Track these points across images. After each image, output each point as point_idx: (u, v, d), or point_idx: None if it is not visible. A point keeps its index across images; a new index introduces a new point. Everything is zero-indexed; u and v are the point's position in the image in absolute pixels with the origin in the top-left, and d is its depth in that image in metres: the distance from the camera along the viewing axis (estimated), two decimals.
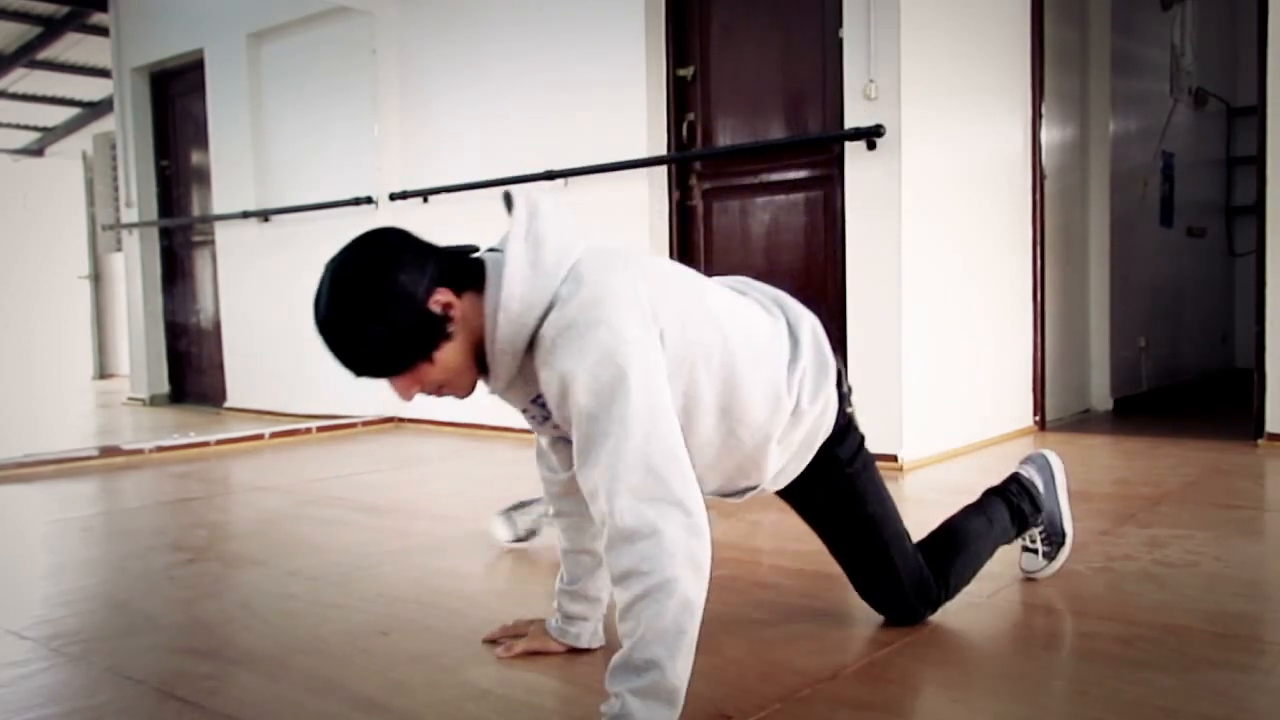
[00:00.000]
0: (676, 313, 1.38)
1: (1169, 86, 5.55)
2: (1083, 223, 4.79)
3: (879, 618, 1.82)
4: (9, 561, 2.59)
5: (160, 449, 4.19)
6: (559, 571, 1.67)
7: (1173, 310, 5.78)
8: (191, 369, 6.21)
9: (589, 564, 1.64)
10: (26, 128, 6.72)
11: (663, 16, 4.07)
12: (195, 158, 6.09)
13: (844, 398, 1.63)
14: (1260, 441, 3.67)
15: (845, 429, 1.63)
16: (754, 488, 1.59)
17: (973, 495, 2.99)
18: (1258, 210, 3.76)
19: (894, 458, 3.40)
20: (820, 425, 1.57)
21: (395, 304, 1.28)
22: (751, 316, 1.53)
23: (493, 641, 1.72)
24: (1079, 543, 2.33)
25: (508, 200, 1.38)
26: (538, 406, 1.44)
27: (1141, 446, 3.80)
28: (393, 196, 4.97)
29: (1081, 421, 4.60)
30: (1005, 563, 2.17)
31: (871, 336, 3.45)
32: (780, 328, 1.56)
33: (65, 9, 5.89)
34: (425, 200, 4.87)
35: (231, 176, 5.71)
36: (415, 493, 3.05)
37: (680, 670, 1.23)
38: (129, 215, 6.23)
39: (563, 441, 1.46)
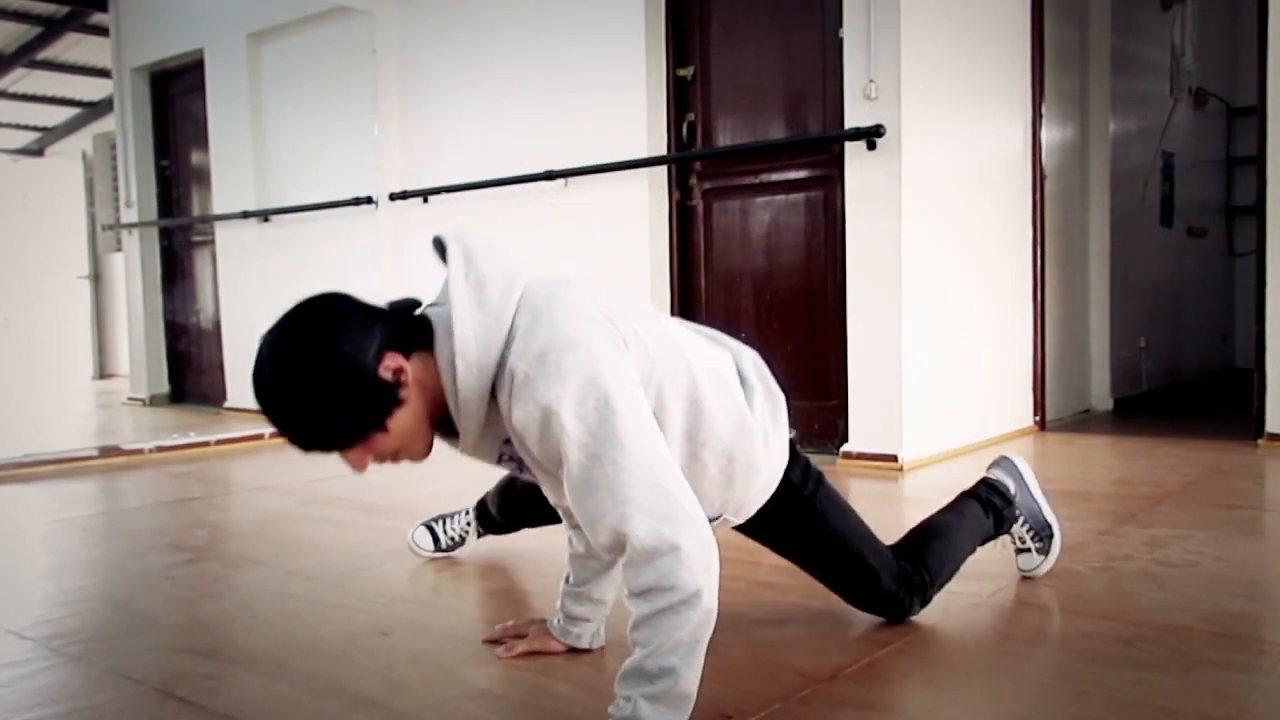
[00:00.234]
0: (638, 330, 1.34)
1: (1169, 86, 5.55)
2: (1083, 223, 4.79)
3: (878, 619, 1.82)
4: (9, 561, 2.59)
5: (160, 449, 4.19)
6: (565, 572, 1.67)
7: (1173, 310, 5.78)
8: (191, 369, 6.21)
9: (596, 569, 1.64)
10: (26, 128, 6.71)
11: (663, 16, 4.07)
12: (195, 158, 6.09)
13: (790, 424, 1.62)
14: (1260, 441, 3.67)
15: (793, 453, 1.62)
16: (715, 518, 1.55)
17: None
18: (1258, 210, 3.76)
19: (894, 458, 3.40)
20: (782, 455, 1.56)
21: (343, 375, 1.22)
22: (701, 344, 1.50)
23: (493, 641, 1.72)
24: (1079, 542, 2.33)
25: (439, 246, 1.32)
26: (510, 454, 1.38)
27: (1141, 446, 3.80)
28: (393, 196, 4.97)
29: (1081, 421, 4.60)
30: (1005, 563, 2.17)
31: (871, 336, 3.46)
32: (726, 357, 1.53)
33: (65, 9, 5.89)
34: (425, 200, 4.87)
35: (231, 176, 5.71)
36: (415, 493, 3.04)
37: (694, 677, 1.23)
38: (129, 215, 6.22)
39: (551, 477, 1.35)
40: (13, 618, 1.97)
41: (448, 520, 2.30)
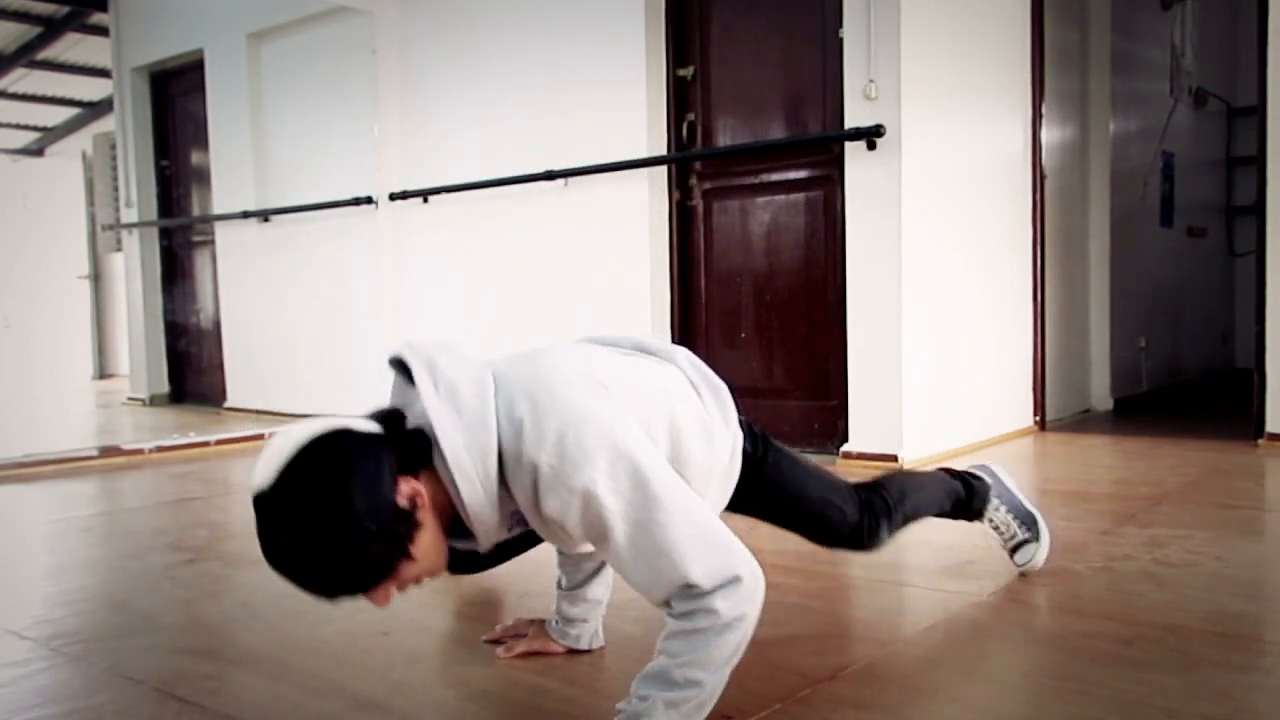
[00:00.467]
0: (616, 377, 1.35)
1: (1169, 86, 5.55)
2: (1083, 223, 4.79)
3: (879, 618, 1.83)
4: (9, 561, 2.59)
5: (160, 449, 4.19)
6: (558, 576, 1.67)
7: (1173, 310, 5.78)
8: (191, 369, 6.21)
9: (589, 570, 1.64)
10: (26, 128, 6.71)
11: (663, 16, 4.07)
12: (195, 158, 6.09)
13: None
14: (1260, 441, 3.67)
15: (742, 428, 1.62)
16: None
17: None
18: (1258, 210, 3.76)
19: (894, 458, 3.40)
20: (738, 441, 1.56)
21: (365, 516, 1.15)
22: (650, 367, 1.50)
23: (493, 642, 1.72)
24: (1079, 542, 2.33)
25: (399, 365, 1.29)
26: (517, 520, 1.36)
27: (1142, 446, 3.80)
28: (393, 196, 4.97)
29: (1081, 421, 4.60)
30: (1006, 562, 2.17)
31: (871, 336, 3.46)
32: (675, 373, 1.53)
33: (65, 9, 5.89)
34: (425, 200, 4.87)
35: (231, 176, 5.71)
36: None
37: (716, 694, 1.24)
38: (129, 215, 6.22)
39: (568, 538, 1.34)
40: (13, 618, 1.97)
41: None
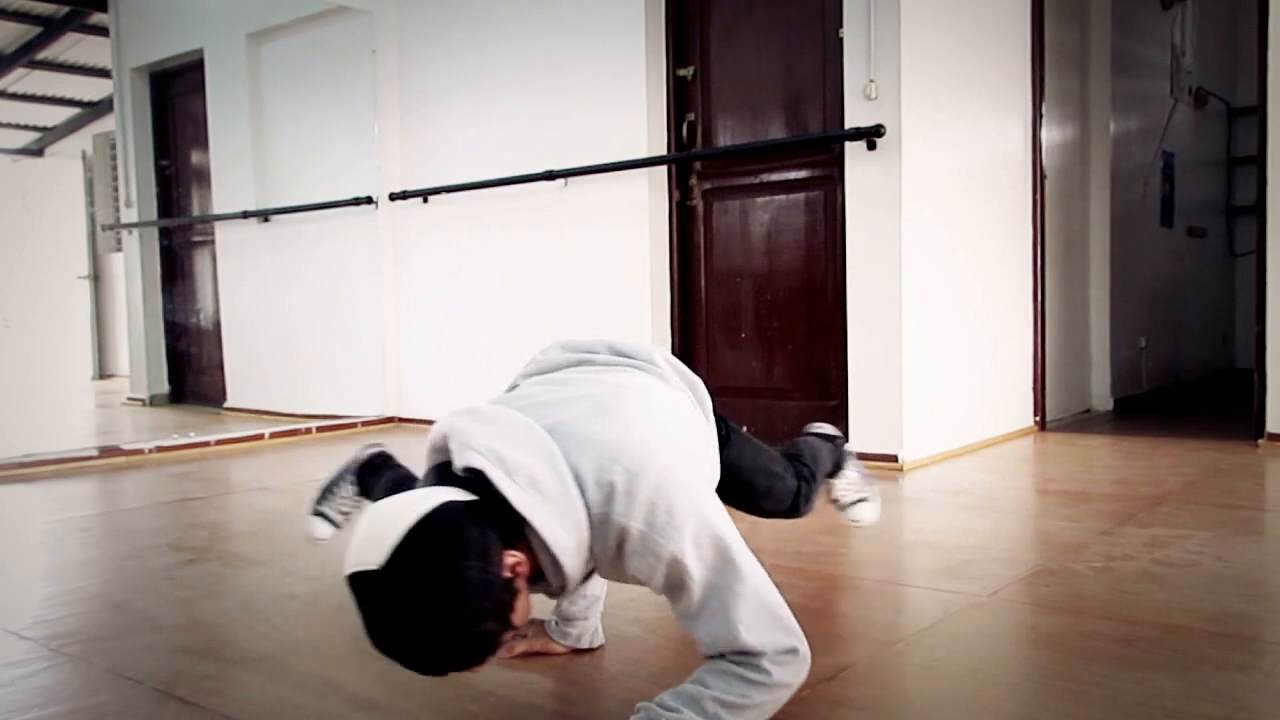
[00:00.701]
0: (687, 433, 1.43)
1: (1169, 86, 5.55)
2: (1083, 223, 4.79)
3: (878, 618, 1.83)
4: (9, 561, 2.59)
5: (160, 449, 4.19)
6: None
7: (1173, 310, 5.78)
8: (191, 369, 6.21)
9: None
10: (26, 128, 6.72)
11: (663, 16, 4.07)
12: (195, 158, 6.09)
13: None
14: (1261, 441, 3.67)
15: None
16: None
17: (973, 496, 3.00)
18: (1258, 210, 3.76)
19: (894, 458, 3.39)
20: (715, 434, 1.59)
21: (482, 598, 1.15)
22: (654, 384, 1.50)
23: None
24: (1079, 542, 2.33)
25: (468, 479, 1.23)
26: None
27: (1142, 447, 3.80)
28: (393, 196, 4.97)
29: (1082, 421, 4.59)
30: (1006, 562, 2.17)
31: (871, 336, 3.45)
32: (662, 376, 1.54)
33: (65, 9, 5.89)
34: (425, 200, 4.87)
35: (231, 176, 5.71)
36: None
37: None
38: (129, 215, 6.22)
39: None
40: (12, 618, 1.97)
41: (331, 496, 2.14)
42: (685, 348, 4.10)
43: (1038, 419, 4.30)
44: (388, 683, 1.57)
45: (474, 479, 1.22)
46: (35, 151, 6.81)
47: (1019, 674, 1.59)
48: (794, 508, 1.80)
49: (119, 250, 6.42)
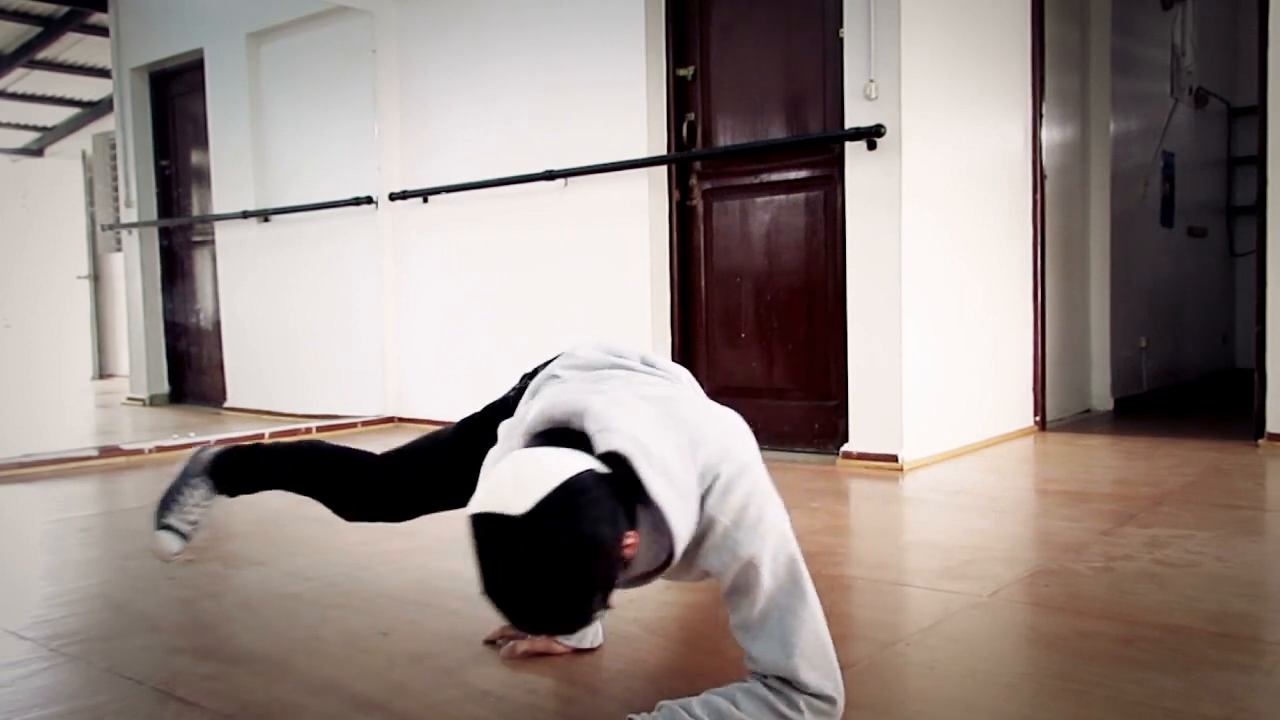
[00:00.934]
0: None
1: (1169, 86, 5.55)
2: (1083, 223, 4.79)
3: (878, 618, 1.82)
4: (9, 561, 2.59)
5: (160, 449, 4.18)
6: None
7: (1173, 310, 5.78)
8: (191, 369, 6.21)
9: None
10: (26, 128, 6.72)
11: (663, 16, 4.07)
12: (195, 158, 6.09)
13: None
14: (1261, 441, 3.67)
15: None
16: None
17: (973, 496, 3.00)
18: (1258, 210, 3.75)
19: (894, 458, 3.39)
20: None
21: (609, 567, 1.17)
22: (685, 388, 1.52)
23: (493, 642, 1.71)
24: (1079, 542, 2.33)
25: (614, 458, 1.22)
26: None
27: (1142, 447, 3.80)
28: (393, 196, 4.97)
29: (1082, 421, 4.59)
30: (1006, 562, 2.17)
31: (871, 336, 3.45)
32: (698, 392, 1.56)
33: (65, 9, 5.89)
34: (425, 200, 4.87)
35: (231, 176, 5.71)
36: None
37: None
38: (129, 215, 6.22)
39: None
40: (12, 618, 1.97)
41: (175, 508, 2.03)
42: (685, 348, 4.10)
43: (1038, 419, 4.30)
44: (388, 683, 1.57)
45: (613, 457, 1.22)
46: (35, 151, 6.81)
47: (1019, 674, 1.59)
48: None
49: (119, 250, 6.42)
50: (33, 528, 2.98)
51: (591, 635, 1.67)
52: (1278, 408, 3.65)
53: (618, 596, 1.24)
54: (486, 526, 1.13)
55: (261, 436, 4.52)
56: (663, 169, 4.08)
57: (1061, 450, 3.84)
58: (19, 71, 6.16)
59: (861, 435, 3.50)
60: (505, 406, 1.66)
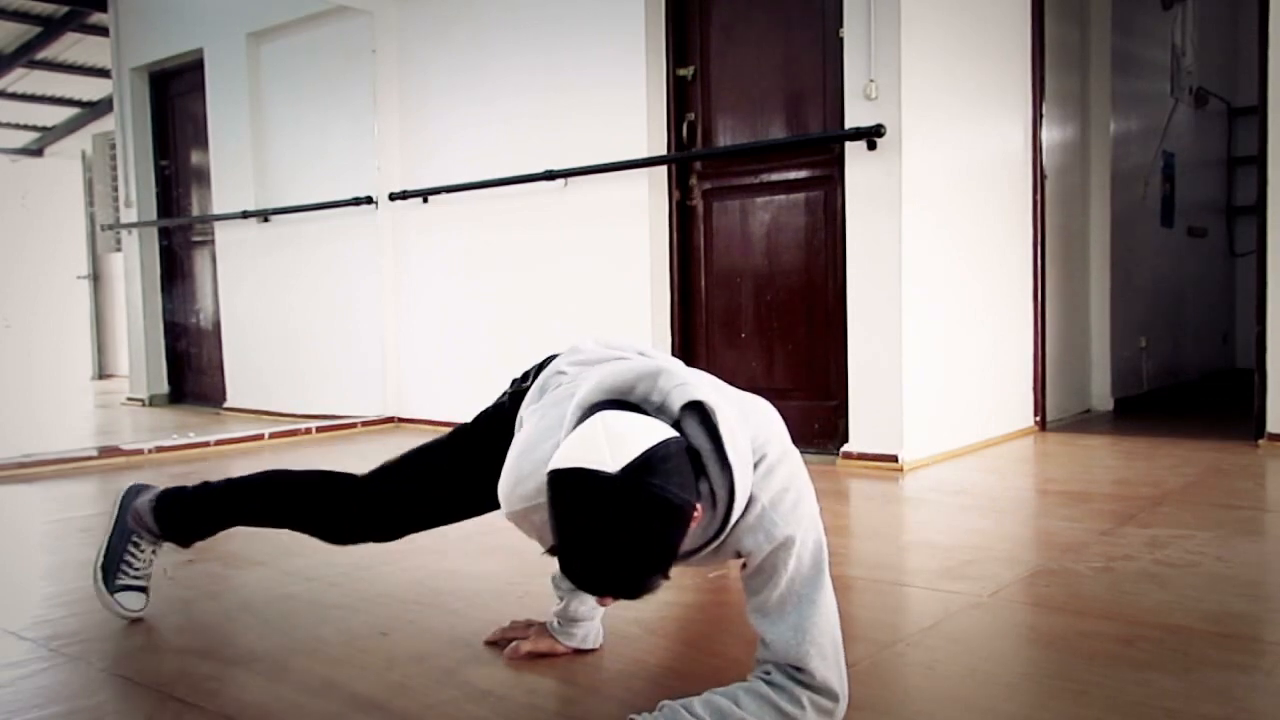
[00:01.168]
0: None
1: (1169, 86, 5.55)
2: (1083, 223, 4.79)
3: (879, 618, 1.82)
4: (8, 561, 2.59)
5: (160, 449, 4.19)
6: (552, 576, 1.67)
7: (1173, 310, 5.78)
8: (191, 369, 6.21)
9: None
10: (26, 128, 6.71)
11: (663, 16, 4.06)
12: (195, 158, 6.08)
13: None
14: (1261, 442, 3.67)
15: None
16: None
17: (973, 496, 3.00)
18: (1258, 210, 3.75)
19: (894, 458, 3.39)
20: None
21: (684, 536, 1.17)
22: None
23: (494, 643, 1.71)
24: (1079, 542, 2.33)
25: (695, 409, 1.23)
26: None
27: (1142, 447, 3.80)
28: (392, 196, 4.97)
29: (1082, 421, 4.59)
30: (1006, 562, 2.17)
31: (871, 336, 3.45)
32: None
33: (65, 9, 5.89)
34: (425, 200, 4.87)
35: (231, 176, 5.71)
36: None
37: None
38: (128, 215, 6.22)
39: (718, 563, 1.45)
40: (12, 618, 1.97)
41: (125, 565, 1.92)
42: (685, 348, 4.10)
43: (1038, 419, 4.30)
44: (387, 683, 1.57)
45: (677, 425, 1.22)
46: (35, 151, 6.81)
47: (1019, 674, 1.59)
48: None
49: (119, 250, 6.42)
50: (33, 528, 2.98)
51: (592, 635, 1.67)
52: (1278, 408, 3.65)
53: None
54: (574, 481, 1.12)
55: (261, 437, 4.52)
56: (663, 169, 4.08)
57: (1061, 450, 3.83)
58: (19, 71, 6.15)
59: (861, 435, 3.50)
60: (499, 413, 1.65)
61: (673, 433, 1.17)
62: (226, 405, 5.76)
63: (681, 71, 4.07)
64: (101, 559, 1.91)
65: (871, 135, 3.37)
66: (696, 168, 4.06)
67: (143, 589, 1.92)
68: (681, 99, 4.08)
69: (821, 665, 1.27)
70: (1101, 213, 4.83)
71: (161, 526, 1.88)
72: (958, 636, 1.73)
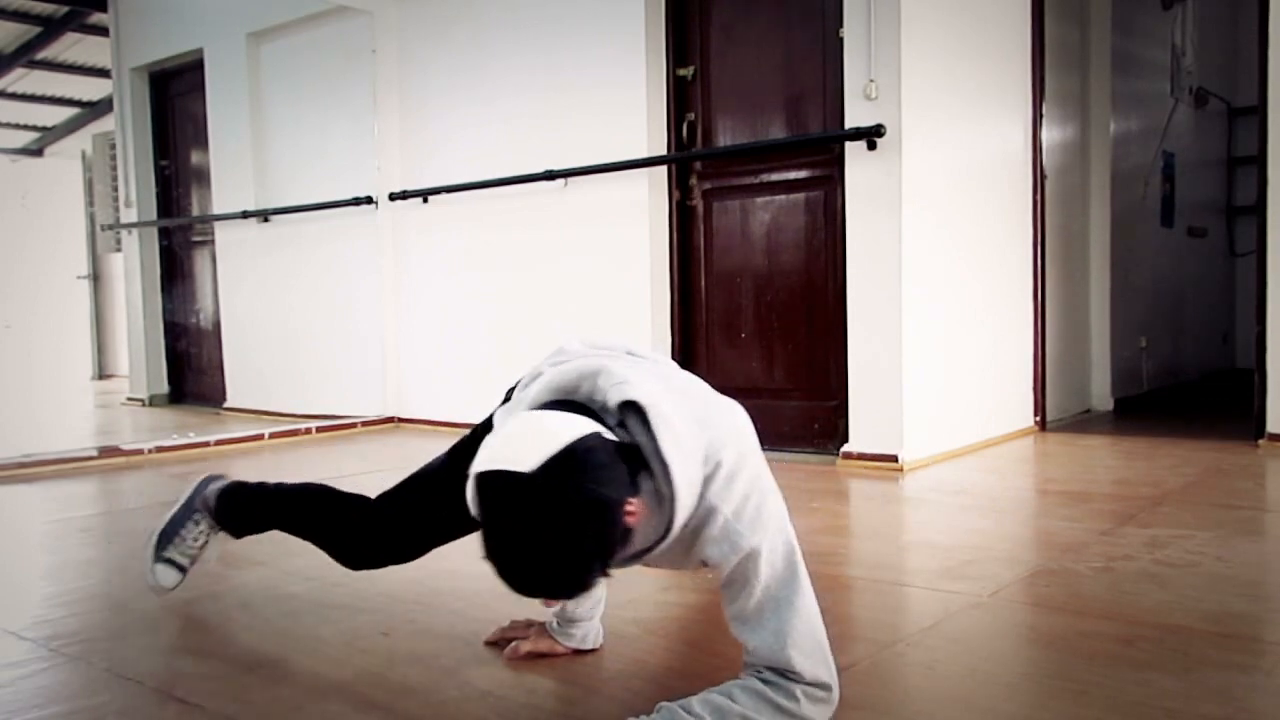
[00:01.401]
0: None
1: (1169, 86, 5.55)
2: (1083, 223, 4.79)
3: (878, 618, 1.82)
4: (9, 561, 2.59)
5: (160, 449, 4.18)
6: None
7: (1173, 310, 5.78)
8: (191, 369, 6.21)
9: None
10: (26, 128, 6.71)
11: (663, 16, 4.06)
12: (195, 158, 6.08)
13: None
14: (1261, 442, 3.67)
15: None
16: None
17: (973, 496, 3.00)
18: (1258, 210, 3.75)
19: (894, 458, 3.39)
20: None
21: (612, 532, 1.15)
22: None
23: (494, 643, 1.71)
24: (1079, 542, 2.33)
25: (631, 407, 1.23)
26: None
27: (1142, 447, 3.80)
28: (392, 196, 4.97)
29: (1082, 422, 4.59)
30: (1006, 562, 2.17)
31: (871, 336, 3.45)
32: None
33: (65, 9, 5.89)
34: (425, 200, 4.87)
35: (231, 176, 5.71)
36: None
37: None
38: (128, 215, 6.22)
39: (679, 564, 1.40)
40: (12, 618, 1.97)
41: (179, 538, 1.99)
42: (685, 348, 4.10)
43: (1038, 419, 4.30)
44: (388, 683, 1.57)
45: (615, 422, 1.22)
46: (35, 151, 6.81)
47: (1019, 674, 1.59)
48: None
49: (119, 250, 6.42)
50: (33, 528, 2.98)
51: (592, 635, 1.67)
52: (1278, 408, 3.65)
53: (615, 572, 1.24)
54: (492, 484, 1.13)
55: (261, 437, 4.52)
56: (663, 169, 4.08)
57: (1061, 450, 3.83)
58: (19, 71, 6.15)
59: (861, 435, 3.50)
60: (490, 425, 1.64)
61: (595, 428, 1.16)
62: (226, 405, 5.76)
63: (681, 71, 4.07)
64: (161, 527, 1.98)
65: (871, 135, 3.37)
66: (696, 168, 4.06)
67: (183, 569, 1.98)
68: (681, 99, 4.08)
69: (808, 664, 1.27)
70: (1101, 213, 4.83)
71: (219, 513, 1.96)
72: (958, 636, 1.73)
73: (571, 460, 1.11)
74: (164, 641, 1.82)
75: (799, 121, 3.81)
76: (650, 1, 4.05)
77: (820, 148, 3.69)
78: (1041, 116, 4.22)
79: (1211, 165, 6.42)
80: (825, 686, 1.28)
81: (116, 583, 2.27)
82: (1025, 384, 4.25)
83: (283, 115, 5.53)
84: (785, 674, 1.27)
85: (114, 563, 2.46)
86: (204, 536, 1.99)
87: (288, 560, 2.37)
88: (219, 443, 4.39)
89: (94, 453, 4.04)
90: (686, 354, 4.08)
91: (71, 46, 6.19)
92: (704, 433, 1.26)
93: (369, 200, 5.03)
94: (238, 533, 2.00)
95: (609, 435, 1.18)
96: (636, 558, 1.29)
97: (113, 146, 6.31)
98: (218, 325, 5.93)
